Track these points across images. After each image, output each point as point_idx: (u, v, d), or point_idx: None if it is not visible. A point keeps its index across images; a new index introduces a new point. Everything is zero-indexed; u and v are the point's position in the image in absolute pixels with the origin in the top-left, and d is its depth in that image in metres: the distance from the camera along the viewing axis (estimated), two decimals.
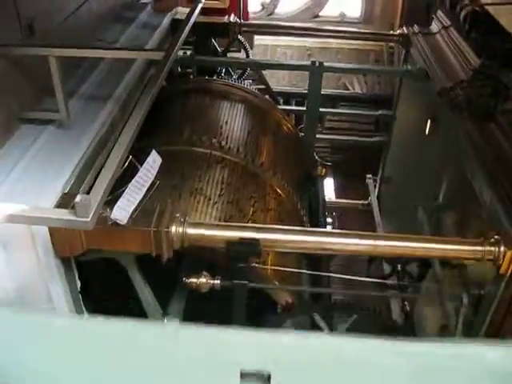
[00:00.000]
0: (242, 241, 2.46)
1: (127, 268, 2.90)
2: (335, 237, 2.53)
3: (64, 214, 1.77)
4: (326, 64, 4.18)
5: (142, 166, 2.27)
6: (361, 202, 5.66)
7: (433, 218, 3.68)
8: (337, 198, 6.35)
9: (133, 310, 3.11)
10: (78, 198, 1.72)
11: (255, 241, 2.47)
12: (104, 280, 3.12)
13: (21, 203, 2.13)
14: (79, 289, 2.83)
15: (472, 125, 3.30)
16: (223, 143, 3.54)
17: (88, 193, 2.52)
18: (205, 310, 2.99)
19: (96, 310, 3.15)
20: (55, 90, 2.74)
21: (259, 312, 2.94)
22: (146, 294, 3.01)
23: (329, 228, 4.72)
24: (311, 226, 3.99)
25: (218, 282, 2.58)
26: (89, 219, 1.75)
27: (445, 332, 3.10)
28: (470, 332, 2.79)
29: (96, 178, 2.70)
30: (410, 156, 4.69)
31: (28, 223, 1.92)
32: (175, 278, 3.09)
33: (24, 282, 2.43)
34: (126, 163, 2.11)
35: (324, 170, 4.57)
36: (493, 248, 2.45)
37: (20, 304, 2.49)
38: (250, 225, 2.84)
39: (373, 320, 2.97)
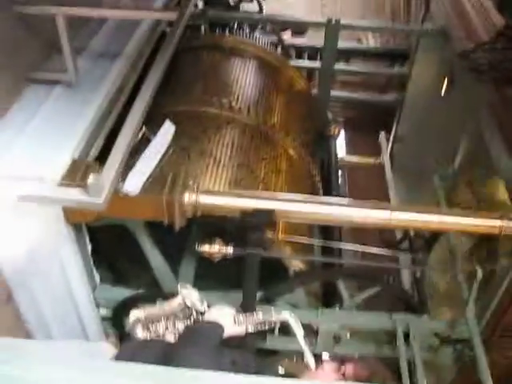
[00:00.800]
0: (256, 211, 2.42)
1: (136, 233, 2.87)
2: (352, 208, 2.48)
3: (76, 194, 1.73)
4: (342, 22, 4.01)
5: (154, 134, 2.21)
6: (372, 159, 5.56)
7: (448, 183, 3.61)
8: (348, 153, 6.26)
9: (144, 274, 3.11)
10: (90, 179, 1.67)
11: (269, 211, 2.43)
12: (115, 244, 3.11)
13: (29, 171, 2.09)
14: (90, 252, 2.82)
15: (492, 90, 3.19)
16: (234, 103, 3.42)
17: (98, 159, 2.49)
18: (216, 275, 2.99)
19: (107, 274, 3.16)
20: (63, 50, 2.64)
21: (270, 278, 2.92)
22: (155, 258, 2.99)
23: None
24: (323, 187, 3.94)
25: (231, 250, 2.55)
26: (101, 200, 1.70)
27: (455, 301, 3.09)
28: (481, 304, 2.79)
29: (106, 141, 2.66)
30: (425, 116, 4.57)
31: (39, 202, 1.87)
32: (186, 243, 3.08)
33: (35, 246, 2.41)
34: (140, 135, 2.04)
35: (337, 129, 4.47)
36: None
37: (33, 267, 2.49)
38: (264, 193, 2.76)
39: (386, 290, 2.95)
